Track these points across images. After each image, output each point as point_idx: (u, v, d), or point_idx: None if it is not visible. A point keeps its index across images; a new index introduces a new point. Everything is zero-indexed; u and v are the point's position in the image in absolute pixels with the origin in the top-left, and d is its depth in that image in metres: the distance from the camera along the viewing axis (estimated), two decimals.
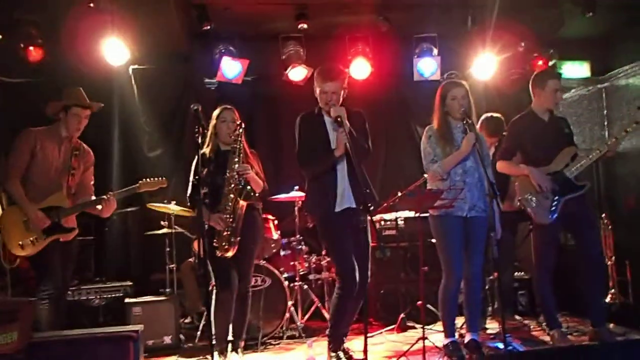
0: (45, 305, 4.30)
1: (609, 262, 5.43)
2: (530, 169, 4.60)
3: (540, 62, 6.57)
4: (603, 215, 5.71)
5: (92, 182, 4.78)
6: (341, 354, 4.21)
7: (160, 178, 4.80)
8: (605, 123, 7.05)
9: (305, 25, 6.01)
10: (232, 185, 4.31)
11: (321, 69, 4.25)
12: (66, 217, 4.50)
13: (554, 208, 4.53)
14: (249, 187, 4.27)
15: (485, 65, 6.58)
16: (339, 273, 4.24)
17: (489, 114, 5.37)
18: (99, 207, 4.56)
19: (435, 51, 6.55)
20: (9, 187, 4.38)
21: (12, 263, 4.36)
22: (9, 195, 4.41)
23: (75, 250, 4.68)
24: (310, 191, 4.42)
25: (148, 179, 4.78)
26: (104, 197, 4.55)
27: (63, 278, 4.56)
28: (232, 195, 4.31)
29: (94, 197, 4.64)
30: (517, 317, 5.61)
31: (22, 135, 4.49)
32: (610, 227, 5.59)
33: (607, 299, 5.34)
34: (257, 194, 4.39)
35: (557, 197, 4.54)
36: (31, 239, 4.33)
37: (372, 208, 3.90)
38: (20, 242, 4.32)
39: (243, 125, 4.43)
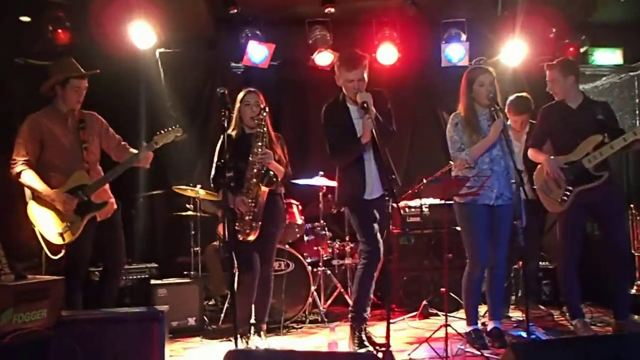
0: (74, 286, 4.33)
1: (636, 253, 5.35)
2: (545, 157, 4.57)
3: (571, 49, 6.46)
4: (631, 205, 5.61)
5: (120, 139, 4.65)
6: (363, 335, 4.24)
7: (175, 127, 4.53)
8: (637, 112, 6.92)
9: (332, 10, 5.98)
10: (255, 170, 4.32)
11: (343, 58, 4.22)
12: (94, 193, 4.34)
13: (565, 198, 4.49)
14: (271, 173, 4.28)
15: (515, 51, 6.48)
16: (364, 243, 4.28)
17: (515, 95, 5.32)
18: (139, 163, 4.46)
19: (464, 36, 6.47)
20: (22, 180, 4.24)
21: (57, 253, 4.24)
22: (26, 187, 4.29)
23: (119, 226, 4.57)
24: (340, 181, 4.44)
25: (162, 131, 4.49)
26: (135, 152, 4.45)
27: (114, 256, 4.54)
28: (254, 180, 4.32)
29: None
30: (540, 306, 5.56)
31: (27, 124, 4.34)
32: (638, 217, 5.49)
33: (633, 290, 5.27)
34: (279, 180, 4.40)
35: (569, 188, 4.49)
36: (67, 224, 4.24)
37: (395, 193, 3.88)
38: (59, 231, 4.22)
39: (267, 109, 4.43)
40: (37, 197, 4.29)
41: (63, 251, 4.25)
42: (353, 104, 4.20)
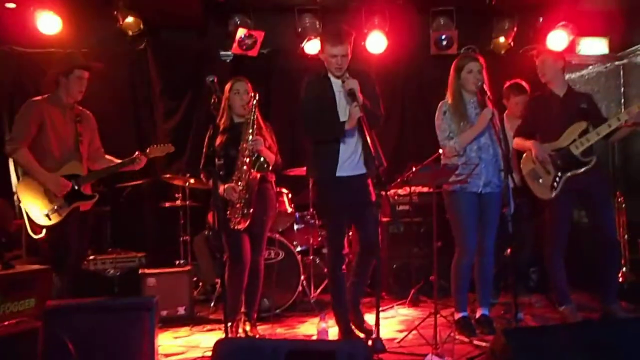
0: (61, 276, 4.35)
1: (622, 240, 5.41)
2: (532, 142, 4.61)
3: (557, 38, 6.49)
4: (617, 193, 5.67)
5: (100, 145, 4.87)
6: (350, 324, 4.28)
7: (167, 144, 4.94)
8: (622, 100, 6.98)
9: None
10: (246, 157, 4.31)
11: (328, 33, 4.18)
12: (84, 185, 4.54)
13: (555, 184, 4.54)
14: (262, 159, 4.25)
15: (503, 39, 6.50)
16: (330, 246, 4.27)
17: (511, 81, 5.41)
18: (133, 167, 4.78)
19: (453, 25, 6.49)
20: (19, 157, 4.36)
21: (37, 233, 4.35)
22: (20, 166, 4.41)
23: (91, 220, 4.73)
24: (313, 154, 4.31)
25: (156, 145, 4.91)
26: (136, 157, 4.74)
27: (80, 247, 4.62)
28: (245, 167, 4.30)
29: (115, 160, 4.79)
30: (529, 293, 5.61)
31: (27, 106, 4.45)
32: (623, 205, 5.56)
33: (619, 277, 5.33)
34: (270, 166, 4.38)
35: (559, 174, 4.53)
36: (55, 207, 4.35)
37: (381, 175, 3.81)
38: (46, 212, 4.33)
39: (257, 97, 4.40)
40: (28, 176, 4.38)
41: (44, 231, 4.35)
42: (335, 76, 4.14)
